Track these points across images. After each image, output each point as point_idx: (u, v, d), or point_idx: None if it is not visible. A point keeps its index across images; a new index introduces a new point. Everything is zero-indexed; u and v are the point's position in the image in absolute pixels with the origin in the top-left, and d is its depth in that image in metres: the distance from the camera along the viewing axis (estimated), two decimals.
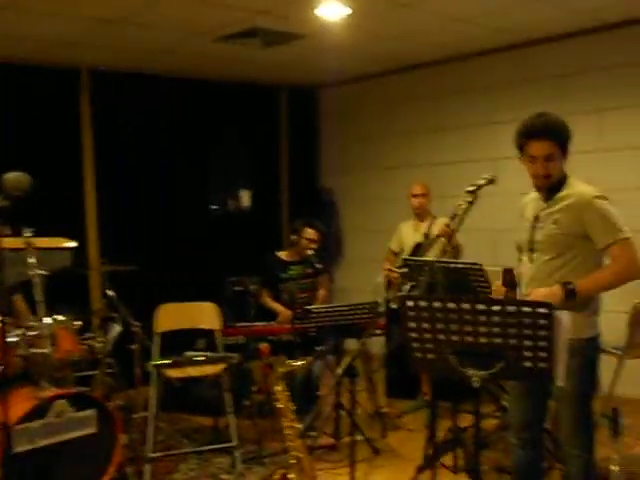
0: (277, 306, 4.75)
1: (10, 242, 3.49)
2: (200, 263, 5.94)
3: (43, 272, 3.55)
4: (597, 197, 2.74)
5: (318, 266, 4.65)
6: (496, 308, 2.24)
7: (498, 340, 2.26)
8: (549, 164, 2.75)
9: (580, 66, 5.16)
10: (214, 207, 6.40)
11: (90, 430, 3.40)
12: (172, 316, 4.36)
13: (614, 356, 3.72)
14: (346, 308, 3.99)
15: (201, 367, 4.07)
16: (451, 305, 2.28)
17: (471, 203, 2.93)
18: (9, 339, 3.35)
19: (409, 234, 5.04)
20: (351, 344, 4.30)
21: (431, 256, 4.07)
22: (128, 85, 5.75)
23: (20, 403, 3.23)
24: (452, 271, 3.65)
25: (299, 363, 3.04)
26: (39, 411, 3.23)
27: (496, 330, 2.25)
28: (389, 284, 4.74)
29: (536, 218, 2.87)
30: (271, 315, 4.71)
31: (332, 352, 4.28)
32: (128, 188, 5.82)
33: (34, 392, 3.33)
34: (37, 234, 3.67)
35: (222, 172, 6.48)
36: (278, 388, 3.02)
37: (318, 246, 4.76)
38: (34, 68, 5.32)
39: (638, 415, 4.46)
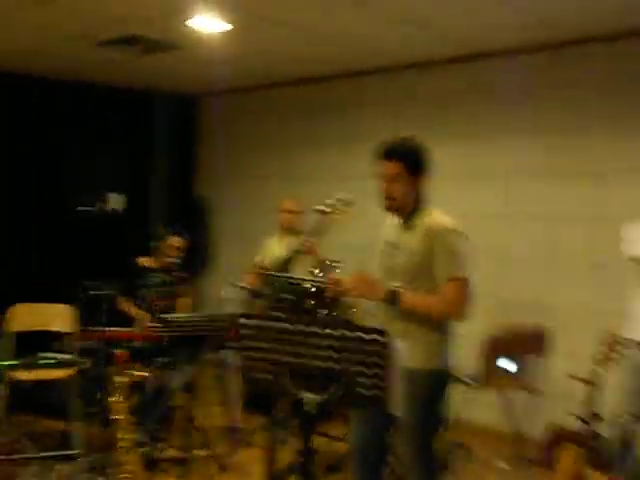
0: (135, 312, 4.57)
1: None
2: (60, 265, 5.72)
3: None
4: (450, 230, 2.65)
5: (179, 274, 4.50)
6: (328, 331, 2.15)
7: (331, 364, 2.16)
8: (393, 185, 2.65)
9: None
10: (82, 209, 6.14)
11: None
12: (25, 316, 4.18)
13: (468, 386, 3.55)
14: (199, 319, 3.88)
15: (50, 370, 3.87)
16: (283, 325, 2.20)
17: (322, 223, 2.79)
18: None
19: (274, 248, 4.95)
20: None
21: (299, 272, 4.05)
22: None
23: None
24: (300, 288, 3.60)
25: (137, 374, 2.93)
26: None
27: (328, 354, 2.16)
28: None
29: (394, 245, 2.77)
30: (127, 321, 4.52)
31: (188, 362, 4.17)
32: None
33: None
34: None
35: (94, 174, 6.27)
36: (114, 399, 2.90)
37: (183, 254, 4.61)
38: None
39: (491, 443, 4.37)
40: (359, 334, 2.13)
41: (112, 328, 4.32)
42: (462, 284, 2.61)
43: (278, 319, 2.25)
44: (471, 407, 3.60)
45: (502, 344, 3.51)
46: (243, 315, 2.33)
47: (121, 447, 2.89)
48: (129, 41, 4.64)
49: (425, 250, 2.64)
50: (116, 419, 2.89)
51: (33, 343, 4.20)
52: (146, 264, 4.69)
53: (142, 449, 3.92)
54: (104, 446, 3.91)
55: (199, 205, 6.74)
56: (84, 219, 6.14)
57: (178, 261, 4.56)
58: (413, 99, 5.39)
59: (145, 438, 4.07)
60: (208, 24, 4.24)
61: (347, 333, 2.14)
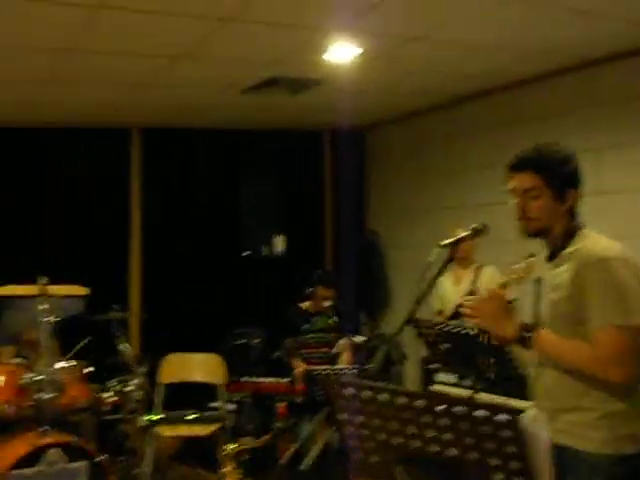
0: (295, 361, 4.10)
1: (23, 289, 3.53)
2: (218, 312, 5.44)
3: (55, 318, 3.39)
4: (608, 258, 1.87)
5: (334, 320, 4.03)
6: (440, 408, 1.54)
7: (453, 450, 1.56)
8: (530, 202, 1.98)
9: None
10: (246, 253, 5.97)
11: None
12: (177, 368, 3.98)
13: None
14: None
15: (192, 427, 3.58)
16: (384, 397, 1.61)
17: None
18: (21, 381, 3.30)
19: (450, 289, 4.20)
20: None
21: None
22: (170, 140, 5.67)
23: (18, 447, 3.11)
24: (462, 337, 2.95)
25: (249, 440, 2.48)
26: (34, 457, 3.05)
27: (447, 437, 1.55)
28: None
29: (536, 283, 2.05)
30: (277, 371, 4.14)
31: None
32: (171, 236, 5.68)
33: (34, 437, 3.17)
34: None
35: (262, 217, 6.07)
36: (228, 469, 2.47)
37: (333, 300, 4.16)
38: (86, 130, 5.32)
39: None
40: (480, 413, 1.49)
41: (267, 379, 3.98)
42: (622, 333, 1.81)
43: (375, 390, 1.66)
44: None
45: None
46: (349, 384, 1.77)
47: None
48: (272, 83, 4.41)
49: (575, 289, 1.89)
50: None
51: (187, 394, 3.99)
52: (307, 308, 4.31)
53: None
54: None
55: (372, 241, 6.21)
56: (248, 264, 5.94)
57: (330, 305, 4.08)
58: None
59: None
60: (344, 53, 3.84)
61: (463, 410, 1.51)
